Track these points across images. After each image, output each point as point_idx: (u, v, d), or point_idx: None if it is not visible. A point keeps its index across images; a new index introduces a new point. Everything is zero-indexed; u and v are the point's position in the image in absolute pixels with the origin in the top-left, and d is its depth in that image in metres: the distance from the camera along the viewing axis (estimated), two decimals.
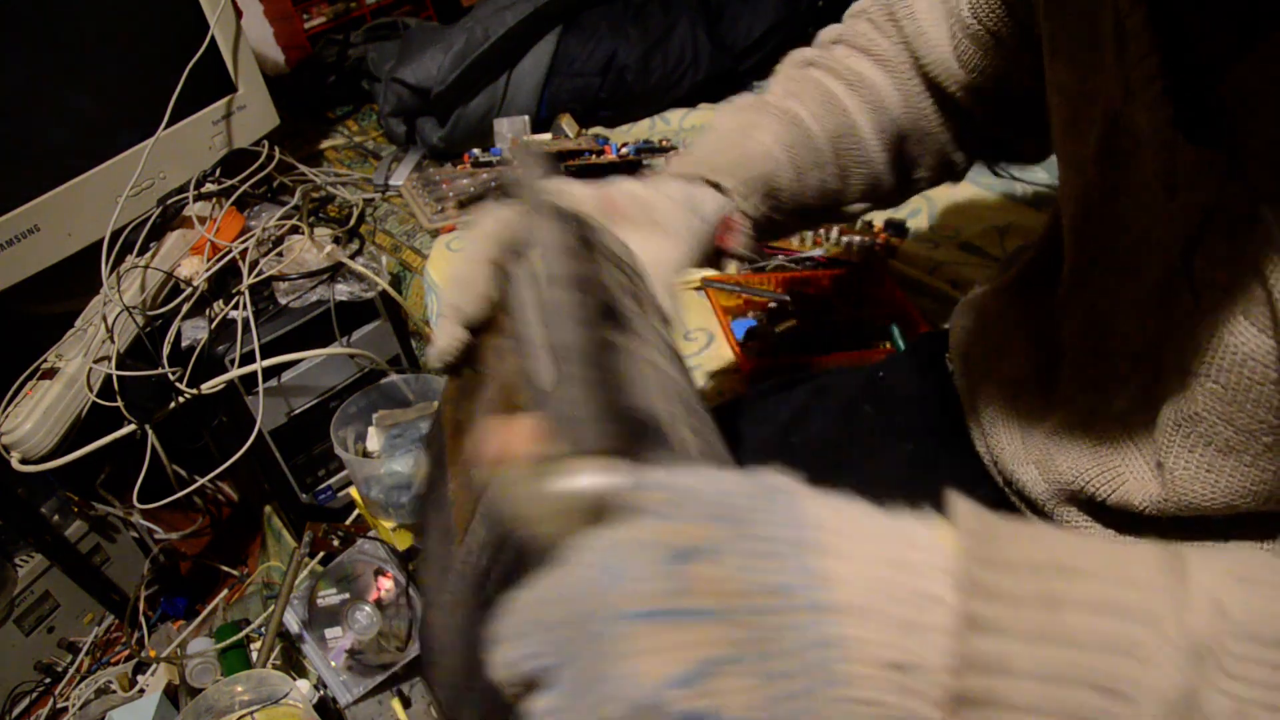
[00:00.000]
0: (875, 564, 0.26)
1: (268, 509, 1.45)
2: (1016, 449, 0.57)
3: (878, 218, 1.10)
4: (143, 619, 1.38)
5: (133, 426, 1.13)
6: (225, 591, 1.46)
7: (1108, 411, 0.52)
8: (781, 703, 0.24)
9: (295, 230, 1.26)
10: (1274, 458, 0.43)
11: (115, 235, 1.18)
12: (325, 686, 1.10)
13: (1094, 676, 0.25)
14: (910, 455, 0.66)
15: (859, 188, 0.66)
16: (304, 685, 1.06)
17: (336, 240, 1.28)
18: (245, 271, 1.19)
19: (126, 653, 1.36)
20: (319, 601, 1.14)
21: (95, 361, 1.12)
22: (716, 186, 0.60)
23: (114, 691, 1.25)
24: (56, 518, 1.32)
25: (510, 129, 1.33)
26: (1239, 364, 0.41)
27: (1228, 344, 0.42)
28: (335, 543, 1.20)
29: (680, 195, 0.58)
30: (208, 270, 1.20)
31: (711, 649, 0.24)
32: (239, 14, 1.34)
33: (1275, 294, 0.40)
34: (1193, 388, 0.44)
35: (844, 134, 0.64)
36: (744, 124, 0.64)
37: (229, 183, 1.28)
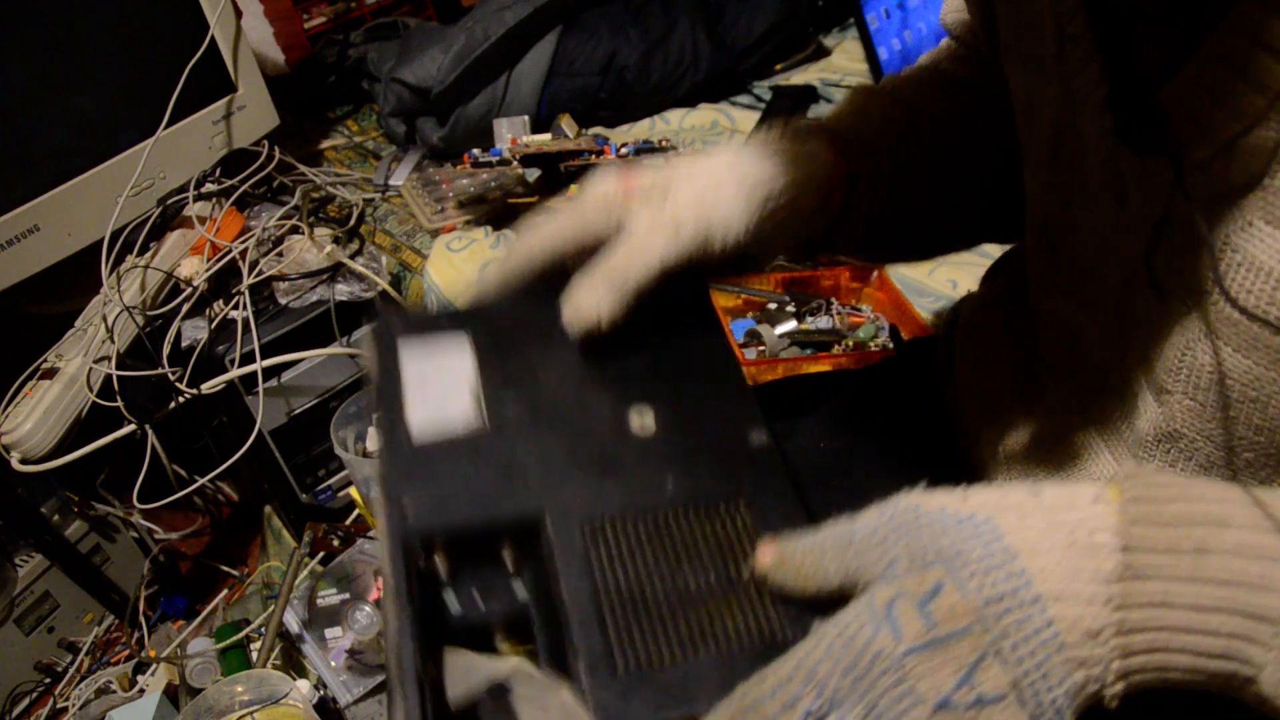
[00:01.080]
0: (1061, 549, 0.33)
1: (268, 509, 1.45)
2: (999, 460, 0.57)
3: None
4: (143, 619, 1.38)
5: (133, 426, 1.13)
6: (225, 591, 1.46)
7: (1085, 423, 0.51)
8: (1027, 674, 0.32)
9: (295, 230, 1.26)
10: (1254, 473, 0.43)
11: (115, 235, 1.18)
12: (325, 686, 1.10)
13: (1238, 605, 0.31)
14: (900, 460, 0.66)
15: (970, 200, 0.59)
16: (304, 685, 1.06)
17: (336, 240, 1.28)
18: (245, 271, 1.19)
19: (126, 653, 1.36)
20: (319, 601, 1.14)
21: (95, 361, 1.12)
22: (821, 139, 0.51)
23: (114, 691, 1.25)
24: (56, 518, 1.32)
25: (510, 129, 1.33)
26: (1216, 382, 0.41)
27: (1202, 363, 0.41)
28: (335, 543, 1.20)
29: (742, 159, 0.47)
30: (208, 270, 1.20)
31: (969, 655, 0.32)
32: (239, 14, 1.34)
33: (1211, 315, 0.39)
34: (1170, 405, 0.44)
35: (955, 129, 0.58)
36: (851, 101, 0.57)
37: (229, 183, 1.28)
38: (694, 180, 0.46)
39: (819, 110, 1.38)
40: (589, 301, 0.44)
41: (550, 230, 0.47)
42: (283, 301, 1.21)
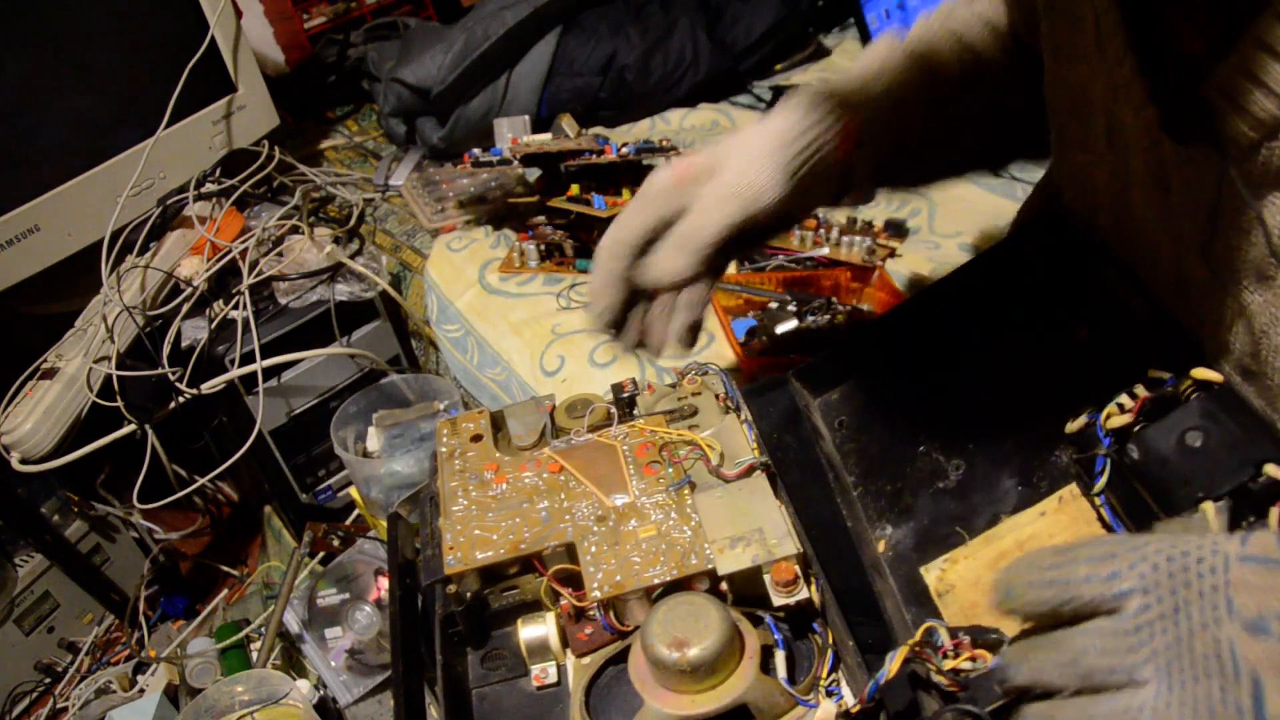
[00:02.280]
0: None
1: (268, 509, 1.45)
2: None
3: (878, 218, 1.10)
4: (143, 619, 1.38)
5: (133, 426, 1.13)
6: (225, 591, 1.46)
7: None
8: None
9: (295, 230, 1.26)
10: None
11: (115, 235, 1.18)
12: (325, 686, 1.10)
13: None
14: None
15: (993, 123, 0.63)
16: (304, 685, 1.06)
17: (336, 240, 1.28)
18: (245, 271, 1.19)
19: (126, 653, 1.36)
20: (319, 601, 1.14)
21: (95, 361, 1.12)
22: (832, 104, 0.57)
23: (114, 691, 1.25)
24: (56, 518, 1.32)
25: (510, 129, 1.33)
26: None
27: (1276, 344, 0.42)
28: (335, 543, 1.20)
29: (773, 124, 0.55)
30: (208, 270, 1.20)
31: None
32: (239, 14, 1.34)
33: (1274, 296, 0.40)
34: (1261, 383, 0.44)
35: (973, 68, 0.62)
36: (869, 59, 0.62)
37: (229, 183, 1.28)
38: (735, 158, 0.55)
39: None
40: (666, 262, 0.54)
41: (625, 229, 0.56)
42: (283, 301, 1.21)
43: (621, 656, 0.52)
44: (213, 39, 1.25)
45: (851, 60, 1.49)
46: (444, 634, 0.55)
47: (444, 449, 0.62)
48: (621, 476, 0.57)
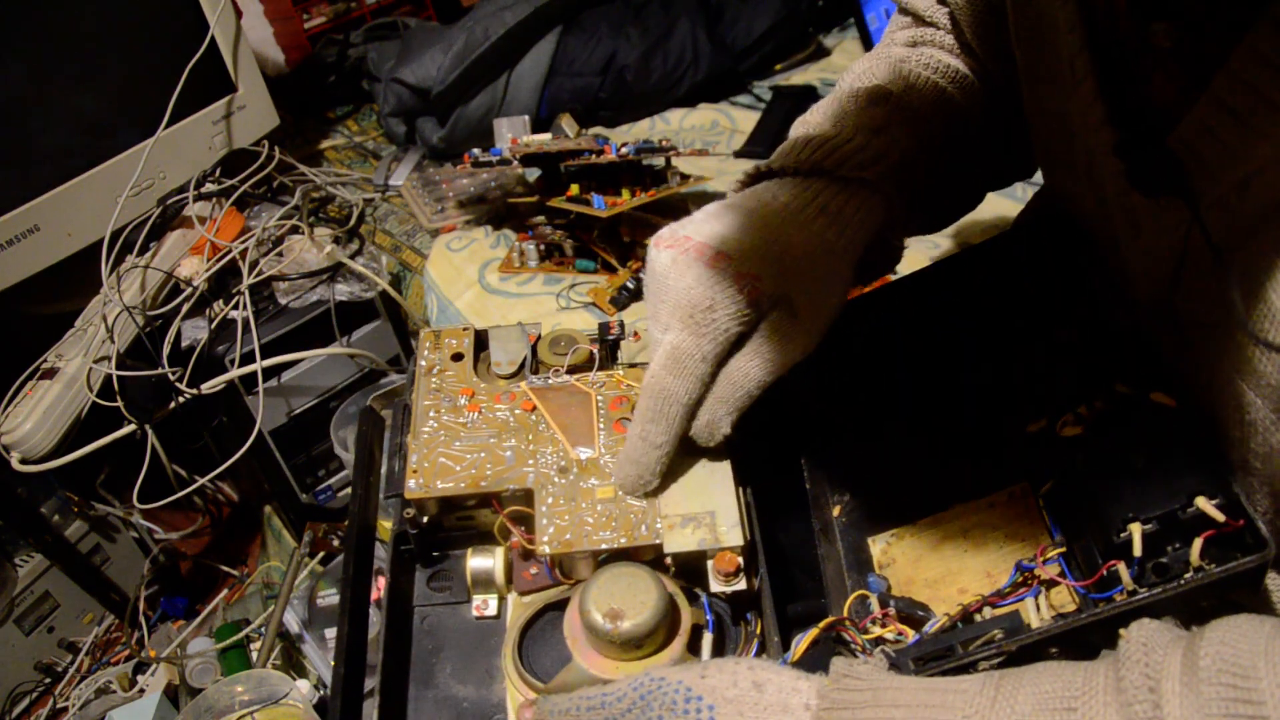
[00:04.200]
0: None
1: (268, 509, 1.45)
2: None
3: None
4: (143, 619, 1.38)
5: (133, 426, 1.13)
6: (225, 591, 1.46)
7: None
8: None
9: (295, 230, 1.26)
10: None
11: (115, 235, 1.18)
12: (325, 686, 1.10)
13: None
14: None
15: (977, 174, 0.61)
16: (304, 685, 1.06)
17: (336, 240, 1.28)
18: (245, 271, 1.19)
19: (126, 653, 1.36)
20: (319, 601, 1.14)
21: (95, 361, 1.12)
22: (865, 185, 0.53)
23: (114, 691, 1.25)
24: (56, 518, 1.32)
25: (510, 129, 1.33)
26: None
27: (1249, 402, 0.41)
28: (335, 543, 1.20)
29: (836, 256, 0.51)
30: (208, 270, 1.20)
31: None
32: (239, 14, 1.34)
33: (1231, 343, 0.40)
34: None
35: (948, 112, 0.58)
36: (879, 114, 0.57)
37: (229, 183, 1.28)
38: (812, 288, 0.50)
39: None
40: (710, 426, 0.51)
41: (677, 391, 0.50)
42: (283, 301, 1.21)
43: (561, 604, 0.53)
44: (213, 39, 1.25)
45: (852, 60, 1.49)
46: (396, 549, 0.57)
47: (424, 362, 0.62)
48: (591, 429, 0.57)
